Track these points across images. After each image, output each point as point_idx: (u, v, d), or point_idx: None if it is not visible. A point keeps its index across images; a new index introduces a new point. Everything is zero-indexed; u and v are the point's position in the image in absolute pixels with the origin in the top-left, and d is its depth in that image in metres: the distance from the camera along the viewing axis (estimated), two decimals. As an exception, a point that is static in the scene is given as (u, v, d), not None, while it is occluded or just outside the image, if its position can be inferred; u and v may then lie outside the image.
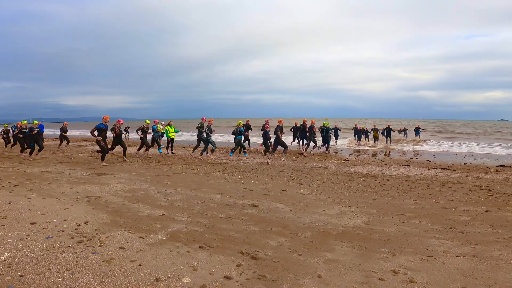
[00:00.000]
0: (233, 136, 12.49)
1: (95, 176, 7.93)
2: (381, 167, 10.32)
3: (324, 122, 14.78)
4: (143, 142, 12.22)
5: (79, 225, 4.13)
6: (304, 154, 13.78)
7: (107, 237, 3.73)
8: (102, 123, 10.20)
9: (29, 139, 11.49)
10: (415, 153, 16.06)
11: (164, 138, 14.44)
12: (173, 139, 13.95)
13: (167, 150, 13.90)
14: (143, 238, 3.74)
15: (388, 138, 19.71)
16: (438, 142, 23.58)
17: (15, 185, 6.62)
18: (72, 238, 3.71)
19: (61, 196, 5.73)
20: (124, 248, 3.43)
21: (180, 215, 4.63)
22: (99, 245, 3.50)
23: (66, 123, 16.13)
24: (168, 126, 13.95)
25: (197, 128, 12.01)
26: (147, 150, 12.39)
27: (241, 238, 3.78)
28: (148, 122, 12.67)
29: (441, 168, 10.40)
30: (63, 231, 3.93)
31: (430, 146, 20.31)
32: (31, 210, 4.79)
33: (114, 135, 11.21)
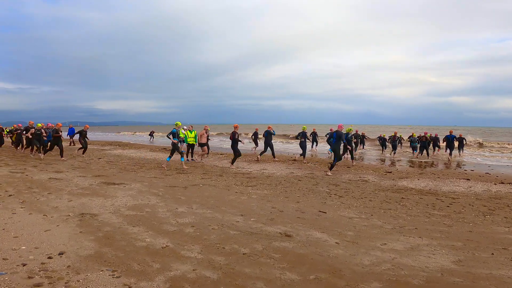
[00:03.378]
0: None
1: (103, 186, 6.99)
2: (435, 181, 8.61)
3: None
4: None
5: (50, 257, 3.07)
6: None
7: (78, 281, 2.60)
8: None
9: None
10: (462, 164, 13.97)
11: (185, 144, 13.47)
12: (193, 144, 12.95)
13: (187, 157, 12.94)
14: (129, 286, 2.56)
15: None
16: (485, 151, 20.96)
17: (10, 195, 5.78)
18: (29, 278, 2.62)
19: (52, 211, 4.75)
20: (96, 307, 2.27)
21: (189, 248, 3.42)
22: (62, 297, 2.37)
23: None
24: (188, 131, 12.99)
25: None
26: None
27: (273, 297, 2.49)
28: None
29: (509, 183, 8.52)
30: (24, 264, 2.88)
31: (474, 157, 17.92)
32: (5, 230, 3.81)
33: None
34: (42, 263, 2.94)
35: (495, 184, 8.38)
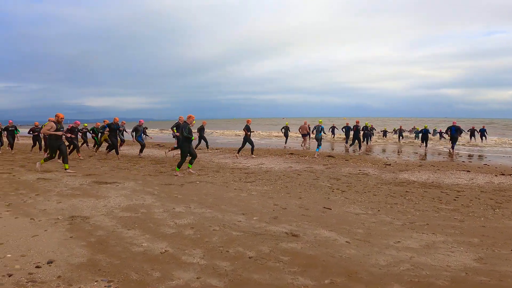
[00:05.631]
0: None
1: (95, 185, 6.64)
2: (436, 174, 8.49)
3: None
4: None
5: (38, 267, 2.77)
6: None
7: (70, 297, 2.31)
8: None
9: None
10: (461, 155, 13.97)
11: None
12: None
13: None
14: (128, 301, 2.29)
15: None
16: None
17: (-5, 198, 5.41)
18: (16, 294, 2.33)
19: (39, 214, 4.42)
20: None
21: (191, 252, 3.15)
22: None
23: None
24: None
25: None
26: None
27: (288, 307, 2.25)
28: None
29: (510, 175, 8.45)
30: (10, 275, 2.58)
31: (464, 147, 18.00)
32: (-12, 237, 3.48)
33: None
34: (30, 273, 2.64)
35: (496, 175, 8.30)
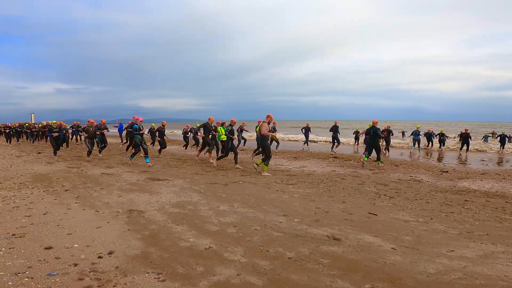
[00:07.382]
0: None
1: (149, 181, 7.22)
2: (501, 182, 7.61)
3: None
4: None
5: (100, 257, 3.08)
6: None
7: (125, 284, 2.57)
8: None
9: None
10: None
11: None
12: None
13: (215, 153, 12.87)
14: (174, 291, 2.48)
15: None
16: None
17: (66, 190, 6.17)
18: (80, 279, 2.64)
19: (103, 207, 4.95)
20: (142, 311, 2.21)
21: (232, 250, 3.28)
22: (109, 300, 2.35)
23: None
24: (221, 127, 12.81)
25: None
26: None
27: (326, 310, 2.24)
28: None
29: None
30: (76, 265, 2.91)
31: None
32: (60, 226, 4.00)
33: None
34: (93, 263, 2.93)
35: None
